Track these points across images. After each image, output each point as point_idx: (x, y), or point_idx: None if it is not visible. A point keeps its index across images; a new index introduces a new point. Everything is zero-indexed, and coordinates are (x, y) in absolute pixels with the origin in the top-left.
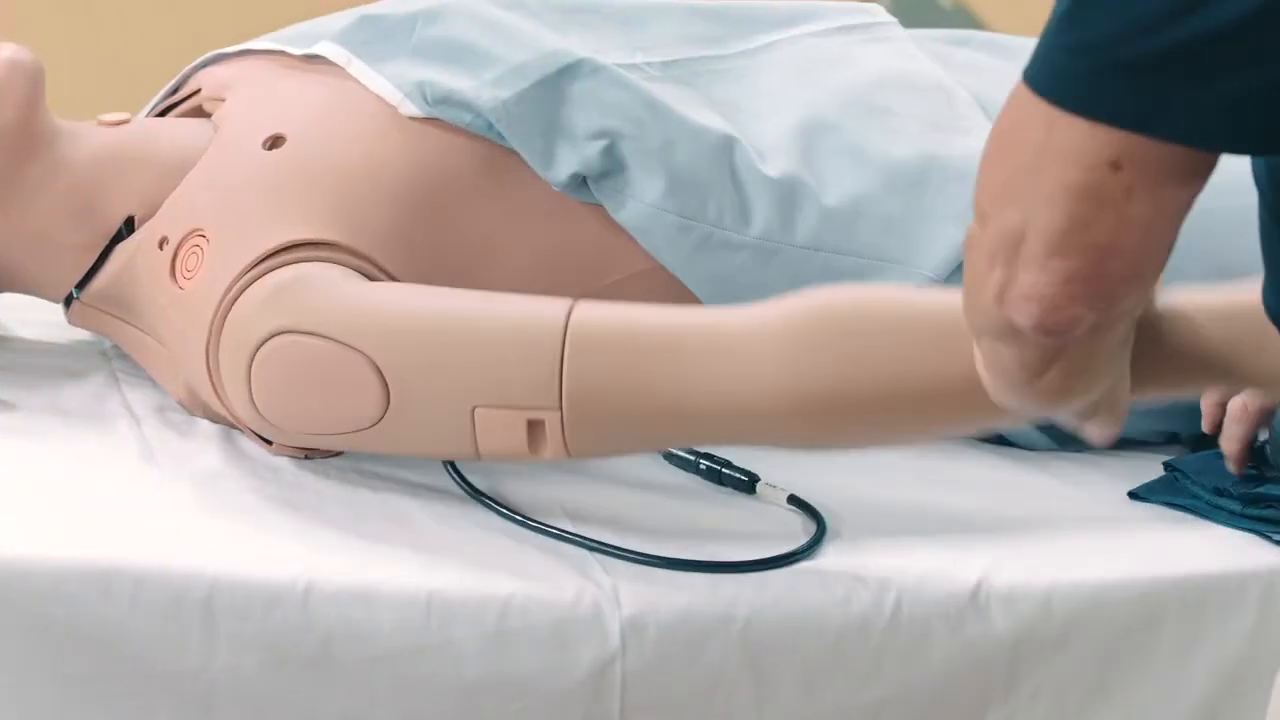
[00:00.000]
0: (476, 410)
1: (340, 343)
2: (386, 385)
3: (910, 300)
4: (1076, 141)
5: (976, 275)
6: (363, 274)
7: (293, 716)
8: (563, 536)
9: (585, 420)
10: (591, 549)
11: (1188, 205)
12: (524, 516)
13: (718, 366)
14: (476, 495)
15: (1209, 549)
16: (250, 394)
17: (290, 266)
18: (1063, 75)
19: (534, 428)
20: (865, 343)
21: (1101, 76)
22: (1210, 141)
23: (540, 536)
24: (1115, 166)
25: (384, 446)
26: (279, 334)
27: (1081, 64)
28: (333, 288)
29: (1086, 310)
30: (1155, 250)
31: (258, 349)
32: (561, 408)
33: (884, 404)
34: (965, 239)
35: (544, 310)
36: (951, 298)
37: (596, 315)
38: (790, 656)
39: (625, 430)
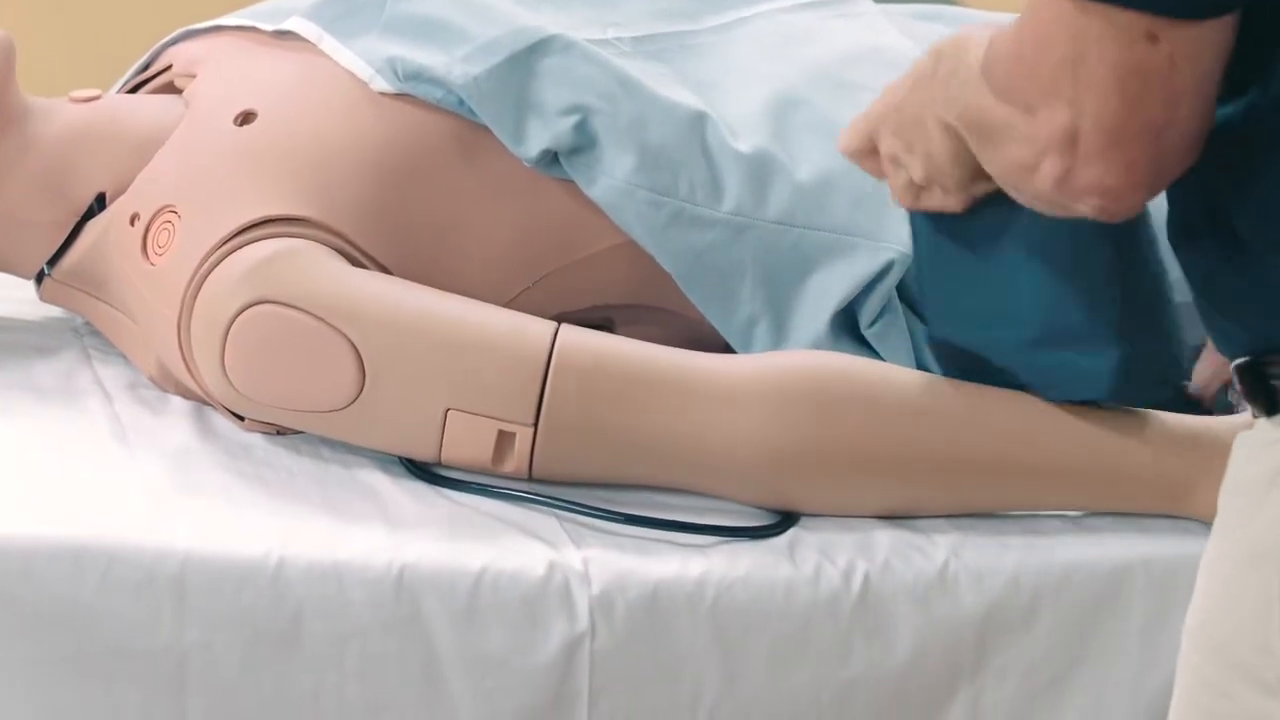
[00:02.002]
0: (449, 412)
1: (323, 320)
2: (363, 371)
3: (886, 373)
4: (1111, 23)
5: (1020, 158)
6: (335, 250)
7: (263, 693)
8: (533, 499)
9: (557, 440)
10: (560, 508)
11: (1222, 64)
12: (486, 485)
13: (696, 409)
14: (437, 480)
15: (1178, 528)
16: (222, 364)
17: (265, 241)
18: None
19: (502, 440)
20: (842, 408)
21: None
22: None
23: (510, 511)
24: (1152, 39)
25: (346, 433)
26: (259, 304)
27: None
28: (320, 266)
29: (1148, 192)
30: (1204, 117)
31: (235, 318)
32: (537, 424)
33: (854, 469)
34: (982, 120)
35: (531, 326)
36: (930, 377)
37: (583, 339)
38: (759, 636)
39: (592, 457)
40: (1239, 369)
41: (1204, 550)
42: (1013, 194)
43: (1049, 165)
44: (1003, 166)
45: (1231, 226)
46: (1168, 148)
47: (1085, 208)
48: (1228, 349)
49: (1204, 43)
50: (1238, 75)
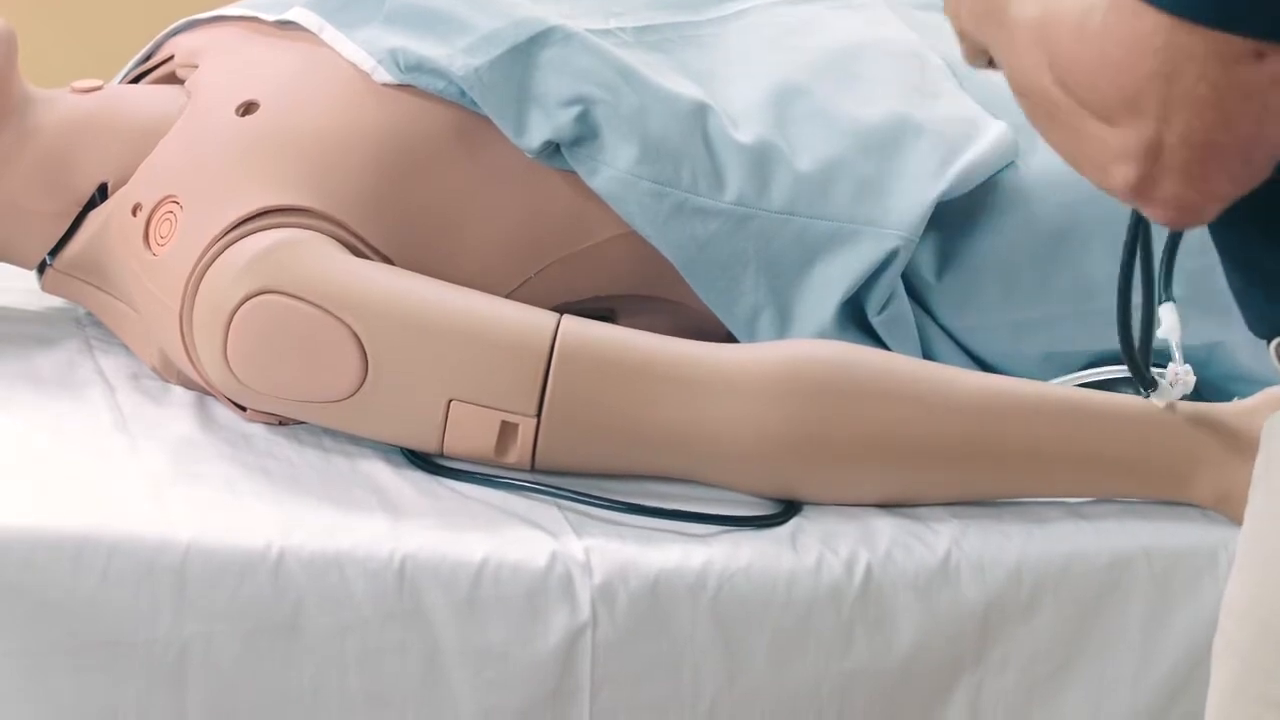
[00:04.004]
0: (453, 403)
1: (325, 310)
2: (365, 361)
3: (890, 362)
4: (1217, 42)
5: (1087, 153)
6: (337, 240)
7: (264, 685)
8: (535, 489)
9: (560, 431)
10: (562, 498)
11: None
12: (489, 475)
13: (699, 399)
14: (439, 470)
15: (1179, 519)
16: (225, 354)
17: (268, 231)
18: None
19: (505, 431)
20: (845, 397)
21: None
22: None
23: (512, 501)
24: (1259, 56)
25: (348, 424)
26: (261, 294)
27: None
28: (322, 256)
29: (1224, 205)
30: None
31: (237, 308)
32: (540, 415)
33: (857, 458)
34: (1046, 113)
35: (533, 317)
36: (934, 366)
37: (586, 330)
38: (760, 627)
39: (595, 447)
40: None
41: (1209, 541)
42: (1057, 153)
43: (1124, 172)
44: (1060, 147)
45: (1275, 207)
46: (1253, 164)
47: (1155, 214)
48: (1264, 328)
49: None
50: None
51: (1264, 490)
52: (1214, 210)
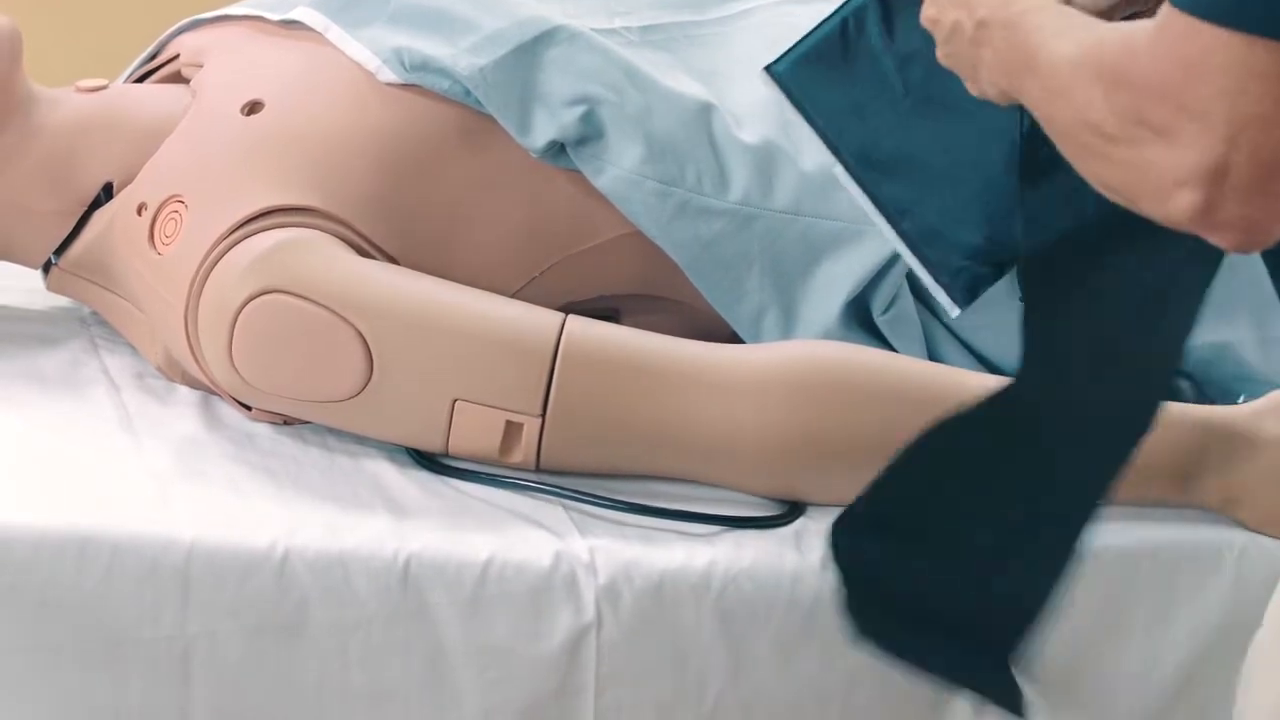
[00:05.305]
0: (457, 403)
1: (330, 310)
2: (370, 361)
3: (895, 363)
4: None
5: (1145, 183)
6: (342, 239)
7: (268, 683)
8: (540, 489)
9: (565, 431)
10: (567, 498)
11: None
12: (493, 475)
13: (703, 399)
14: (444, 470)
15: (1184, 520)
16: (230, 353)
17: (272, 231)
18: (1262, 8)
19: (510, 430)
20: (851, 398)
21: None
22: None
23: (516, 501)
24: None
25: (353, 424)
26: (266, 293)
27: None
28: (327, 256)
29: None
30: None
31: (242, 308)
32: (544, 415)
33: (863, 459)
34: (1095, 133)
35: (538, 316)
36: (939, 366)
37: (591, 330)
38: (765, 626)
39: (599, 448)
40: None
41: (1213, 541)
42: (1117, 200)
43: (1189, 197)
44: (1114, 180)
45: None
46: None
47: (1220, 240)
48: None
49: None
50: None
51: None
52: (1278, 230)
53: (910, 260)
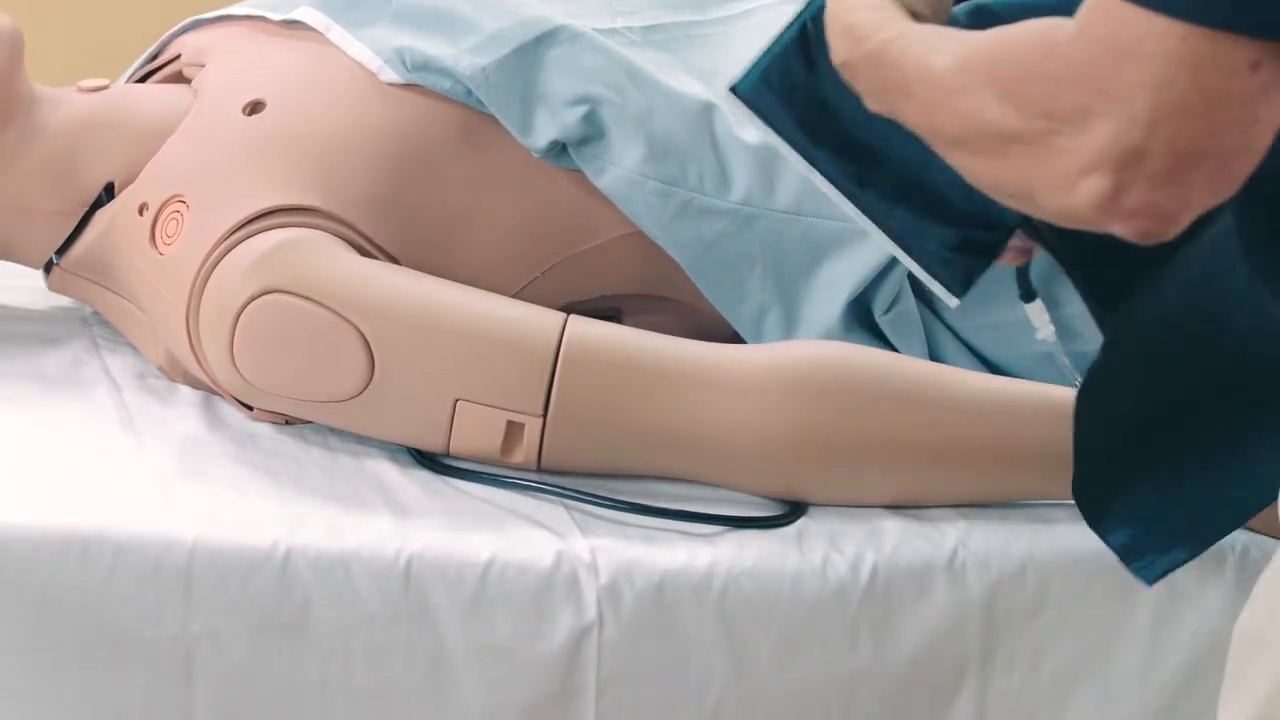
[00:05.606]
0: (459, 403)
1: (332, 310)
2: (371, 361)
3: (898, 363)
4: (1216, 49)
5: (1046, 174)
6: (344, 239)
7: (270, 683)
8: (541, 489)
9: (566, 431)
10: (568, 498)
11: None
12: (495, 475)
13: (705, 399)
14: (445, 470)
15: None
16: (231, 353)
17: (274, 231)
18: None
19: (511, 430)
20: (853, 398)
21: None
22: None
23: (518, 501)
24: (1255, 67)
25: (354, 424)
26: (268, 293)
27: None
28: (329, 256)
29: (1194, 216)
30: (1269, 144)
31: (243, 308)
32: (546, 415)
33: (865, 459)
34: (996, 133)
35: (539, 316)
36: (941, 367)
37: (592, 330)
38: (766, 627)
39: (601, 448)
40: None
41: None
42: (1007, 202)
43: (1097, 182)
44: (1010, 179)
45: None
46: (1233, 174)
47: (1124, 228)
48: None
49: None
50: None
51: None
52: (1186, 220)
53: (901, 256)
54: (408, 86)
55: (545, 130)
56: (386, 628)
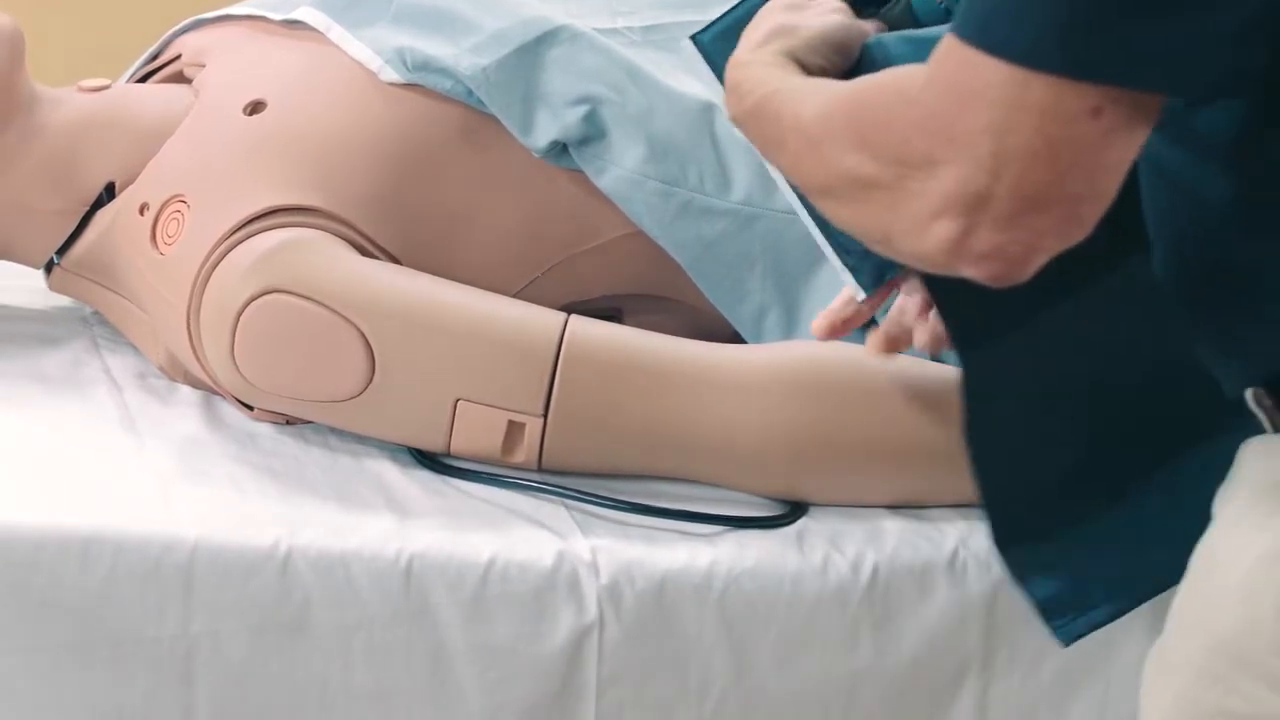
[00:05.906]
0: (459, 403)
1: (332, 310)
2: (372, 361)
3: (898, 364)
4: (1057, 96)
5: (900, 219)
6: (344, 239)
7: (270, 682)
8: (542, 489)
9: (566, 431)
10: (569, 498)
11: (1145, 139)
12: (496, 475)
13: (705, 399)
14: (446, 470)
15: None
16: (232, 353)
17: (274, 231)
18: (1037, 39)
19: (512, 430)
20: (853, 398)
21: (1079, 35)
22: (1190, 86)
23: (518, 500)
24: (1096, 113)
25: (355, 424)
26: (268, 293)
27: (1054, 26)
28: (329, 256)
29: (1043, 261)
30: (1116, 190)
31: (244, 308)
32: (546, 415)
33: (865, 459)
34: (858, 178)
35: (540, 316)
36: (940, 367)
37: (593, 330)
38: (767, 627)
39: (601, 448)
40: (1269, 387)
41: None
42: (873, 247)
43: (946, 226)
44: (870, 224)
45: (1243, 274)
46: (1081, 219)
47: (975, 271)
48: (1237, 382)
49: (1140, 120)
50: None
51: (1237, 508)
52: (1036, 263)
53: (819, 239)
54: (408, 86)
55: (546, 130)
56: (387, 627)
